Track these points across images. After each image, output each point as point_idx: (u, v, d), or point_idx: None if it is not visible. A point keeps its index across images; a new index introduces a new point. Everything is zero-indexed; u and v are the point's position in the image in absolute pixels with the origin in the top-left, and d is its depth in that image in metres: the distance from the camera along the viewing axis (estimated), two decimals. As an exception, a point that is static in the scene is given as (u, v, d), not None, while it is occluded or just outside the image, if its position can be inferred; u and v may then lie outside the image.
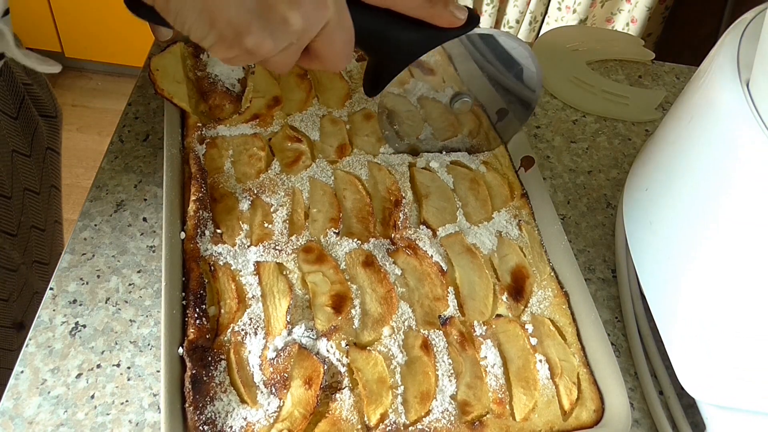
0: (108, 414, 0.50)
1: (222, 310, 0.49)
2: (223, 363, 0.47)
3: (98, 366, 0.52)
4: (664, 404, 0.54)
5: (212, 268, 0.51)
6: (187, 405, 0.44)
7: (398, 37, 0.46)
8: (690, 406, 0.53)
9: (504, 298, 0.54)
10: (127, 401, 0.50)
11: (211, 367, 0.46)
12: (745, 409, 0.49)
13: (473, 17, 0.47)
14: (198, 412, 0.44)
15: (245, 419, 0.45)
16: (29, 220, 0.73)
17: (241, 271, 0.51)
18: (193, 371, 0.45)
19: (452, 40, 0.48)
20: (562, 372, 0.50)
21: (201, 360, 0.46)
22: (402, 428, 0.46)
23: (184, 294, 0.50)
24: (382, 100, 0.57)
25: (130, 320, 0.55)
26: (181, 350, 0.47)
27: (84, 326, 0.54)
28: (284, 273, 0.52)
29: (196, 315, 0.48)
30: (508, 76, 0.57)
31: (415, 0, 0.45)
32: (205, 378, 0.45)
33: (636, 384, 0.56)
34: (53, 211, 0.79)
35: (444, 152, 0.63)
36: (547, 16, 1.63)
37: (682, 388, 0.51)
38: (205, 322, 0.48)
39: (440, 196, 0.59)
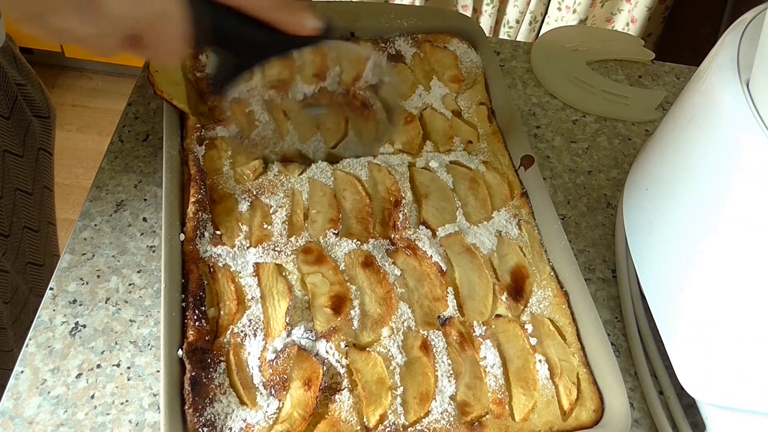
0: (108, 414, 0.50)
1: (221, 312, 0.49)
2: (223, 365, 0.47)
3: (98, 366, 0.52)
4: (664, 404, 0.55)
5: (212, 269, 0.51)
6: (186, 407, 0.44)
7: (245, 39, 0.45)
8: (690, 406, 0.53)
9: (503, 298, 0.54)
10: (127, 401, 0.50)
11: (211, 369, 0.46)
12: (745, 409, 0.49)
13: (328, 28, 0.45)
14: (197, 414, 0.44)
15: (245, 421, 0.45)
16: (21, 221, 0.72)
17: (240, 272, 0.51)
18: (193, 373, 0.45)
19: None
20: (562, 372, 0.50)
21: (200, 362, 0.46)
22: (401, 429, 0.46)
23: (183, 296, 0.50)
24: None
25: (130, 320, 0.55)
26: (180, 352, 0.47)
27: (84, 326, 0.54)
28: (283, 274, 0.52)
29: (195, 317, 0.48)
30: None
31: (262, 2, 0.43)
32: (204, 380, 0.45)
33: (636, 384, 0.56)
34: (46, 212, 0.79)
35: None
36: (547, 16, 1.63)
37: (682, 388, 0.51)
38: (205, 324, 0.48)
39: (440, 196, 0.59)
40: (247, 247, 0.53)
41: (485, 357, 0.50)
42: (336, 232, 0.55)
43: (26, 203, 0.73)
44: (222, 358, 0.47)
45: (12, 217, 0.70)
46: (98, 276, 0.57)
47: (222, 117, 0.60)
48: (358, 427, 0.46)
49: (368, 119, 0.60)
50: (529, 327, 0.52)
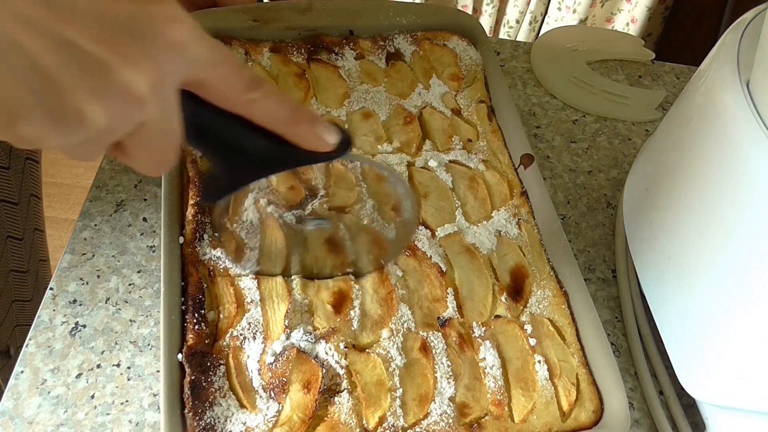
0: (108, 414, 0.50)
1: (221, 315, 0.49)
2: (222, 368, 0.47)
3: (98, 366, 0.52)
4: (664, 404, 0.54)
5: (211, 272, 0.51)
6: (186, 411, 0.44)
7: (249, 149, 0.38)
8: (690, 406, 0.53)
9: (503, 298, 0.54)
10: (127, 401, 0.50)
11: (210, 373, 0.46)
12: (745, 409, 0.49)
13: (346, 140, 0.39)
14: (197, 417, 0.44)
15: (244, 424, 0.45)
16: (5, 231, 0.71)
17: (239, 275, 0.51)
18: (192, 377, 0.45)
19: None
20: (561, 373, 0.50)
21: (200, 365, 0.46)
22: (400, 431, 0.46)
23: (183, 299, 0.50)
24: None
25: (130, 320, 0.55)
26: (180, 356, 0.47)
27: (84, 326, 0.54)
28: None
29: (195, 320, 0.48)
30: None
31: (275, 114, 0.37)
32: (204, 383, 0.45)
33: (636, 384, 0.56)
34: (32, 219, 0.78)
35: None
36: (547, 16, 1.63)
37: (682, 388, 0.51)
38: (204, 327, 0.48)
39: (439, 195, 0.59)
40: (247, 248, 0.53)
41: (484, 358, 0.50)
42: (336, 232, 0.55)
43: (11, 213, 0.72)
44: (221, 362, 0.47)
45: None
46: (98, 276, 0.57)
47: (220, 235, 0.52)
48: (358, 429, 0.46)
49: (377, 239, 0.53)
50: (528, 327, 0.52)
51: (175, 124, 0.34)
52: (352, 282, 0.52)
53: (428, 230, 0.56)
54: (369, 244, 0.54)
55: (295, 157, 0.39)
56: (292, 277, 0.51)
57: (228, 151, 0.38)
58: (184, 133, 0.35)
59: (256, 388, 0.46)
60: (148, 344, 0.53)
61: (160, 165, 0.35)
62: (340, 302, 0.50)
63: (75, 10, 0.28)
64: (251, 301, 0.50)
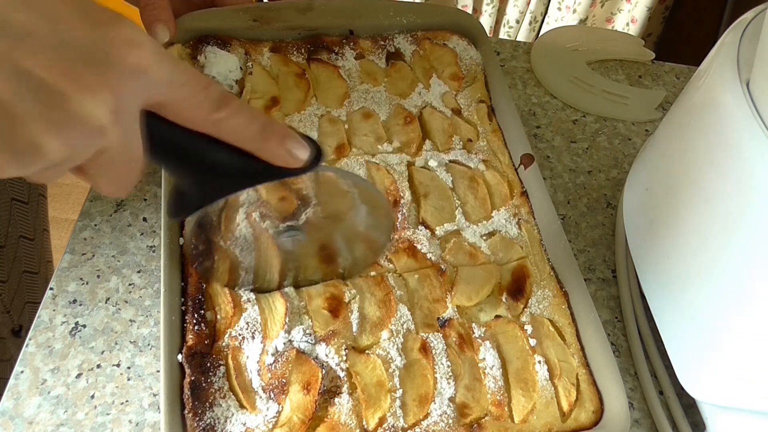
0: (108, 414, 0.50)
1: (218, 316, 0.49)
2: (222, 368, 0.47)
3: (98, 366, 0.52)
4: (664, 404, 0.54)
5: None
6: (186, 411, 0.44)
7: (218, 165, 0.37)
8: (690, 406, 0.53)
9: (503, 298, 0.54)
10: (127, 401, 0.50)
11: (210, 373, 0.46)
12: (745, 409, 0.49)
13: (317, 154, 0.39)
14: (197, 418, 0.44)
15: (244, 425, 0.45)
16: (17, 231, 0.72)
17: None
18: (192, 378, 0.45)
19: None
20: (561, 373, 0.50)
21: (200, 366, 0.46)
22: (400, 431, 0.46)
23: (183, 299, 0.49)
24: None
25: (130, 320, 0.55)
26: (180, 357, 0.46)
27: (84, 326, 0.54)
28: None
29: (194, 321, 0.48)
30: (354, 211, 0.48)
31: (244, 132, 0.36)
32: (204, 384, 0.45)
33: (636, 384, 0.56)
34: (40, 219, 0.79)
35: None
36: (547, 16, 1.63)
37: (682, 388, 0.51)
38: (204, 328, 0.48)
39: (439, 195, 0.59)
40: (246, 248, 0.53)
41: (484, 358, 0.50)
42: (336, 232, 0.55)
43: (23, 212, 0.73)
44: (221, 362, 0.47)
45: (8, 228, 0.70)
46: (98, 276, 0.57)
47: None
48: (358, 430, 0.46)
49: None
50: (528, 328, 0.52)
51: (137, 148, 0.33)
52: (342, 285, 0.51)
53: (428, 230, 0.56)
54: (360, 248, 0.54)
55: (265, 173, 0.38)
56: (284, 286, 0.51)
57: (195, 167, 0.37)
58: (148, 151, 0.34)
59: (256, 389, 0.46)
60: (148, 344, 0.53)
61: (122, 186, 0.35)
62: (336, 306, 0.50)
63: (31, 38, 0.27)
64: (248, 301, 0.50)
